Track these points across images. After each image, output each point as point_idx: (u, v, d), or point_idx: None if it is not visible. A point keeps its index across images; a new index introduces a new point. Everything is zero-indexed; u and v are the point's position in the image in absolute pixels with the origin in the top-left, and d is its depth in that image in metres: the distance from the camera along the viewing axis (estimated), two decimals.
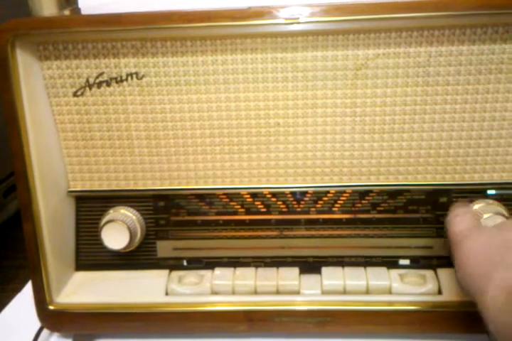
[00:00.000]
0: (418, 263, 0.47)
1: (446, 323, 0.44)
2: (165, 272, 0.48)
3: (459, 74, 0.43)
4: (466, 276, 0.36)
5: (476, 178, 0.45)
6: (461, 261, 0.37)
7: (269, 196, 0.47)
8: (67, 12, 0.59)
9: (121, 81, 0.44)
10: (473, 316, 0.43)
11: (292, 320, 0.45)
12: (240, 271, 0.47)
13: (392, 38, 0.42)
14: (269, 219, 0.47)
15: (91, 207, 0.48)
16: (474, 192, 0.45)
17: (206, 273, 0.47)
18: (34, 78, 0.43)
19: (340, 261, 0.47)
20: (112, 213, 0.47)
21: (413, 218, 0.46)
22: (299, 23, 0.40)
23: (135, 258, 0.48)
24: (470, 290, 0.36)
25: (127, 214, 0.46)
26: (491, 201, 0.45)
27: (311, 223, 0.47)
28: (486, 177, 0.45)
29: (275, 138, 0.45)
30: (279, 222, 0.47)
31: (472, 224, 0.40)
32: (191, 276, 0.48)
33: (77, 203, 0.48)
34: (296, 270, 0.47)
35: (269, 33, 0.42)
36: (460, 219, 0.41)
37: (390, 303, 0.44)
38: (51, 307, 0.46)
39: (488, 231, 0.37)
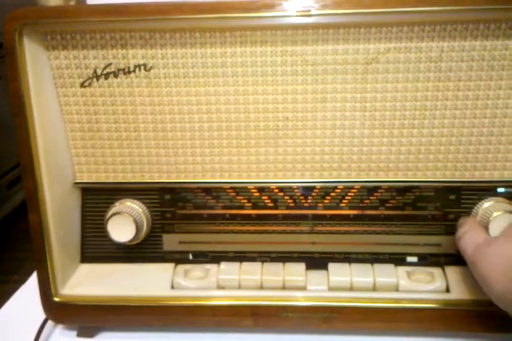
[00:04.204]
0: (426, 260, 0.46)
1: (454, 321, 0.43)
2: (171, 265, 0.48)
3: (471, 70, 0.42)
4: (495, 295, 0.36)
5: (486, 176, 0.45)
6: (484, 281, 0.37)
7: (276, 191, 0.47)
8: (72, 2, 0.59)
9: (129, 72, 0.44)
10: (482, 315, 0.43)
11: (298, 315, 0.44)
12: (246, 265, 0.47)
13: (403, 32, 0.41)
14: (276, 214, 0.47)
15: (97, 199, 0.48)
16: (484, 190, 0.45)
17: (212, 267, 0.47)
18: (41, 68, 0.43)
19: (347, 258, 0.47)
20: (118, 205, 0.46)
21: (422, 215, 0.46)
22: (310, 15, 0.40)
23: (141, 251, 0.48)
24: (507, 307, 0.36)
25: (133, 206, 0.46)
26: (500, 199, 0.44)
27: (318, 219, 0.47)
28: (496, 175, 0.45)
29: (283, 132, 0.45)
30: (285, 217, 0.47)
31: (481, 239, 0.40)
32: (197, 270, 0.47)
33: (83, 195, 0.48)
34: (302, 265, 0.46)
35: (280, 25, 0.41)
36: (469, 236, 0.41)
37: (397, 301, 0.44)
38: (56, 299, 0.46)
39: (497, 246, 0.38)
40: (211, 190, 0.47)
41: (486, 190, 0.45)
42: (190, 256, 0.48)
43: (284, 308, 0.44)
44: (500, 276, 0.36)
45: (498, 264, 0.36)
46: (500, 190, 0.45)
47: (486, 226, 0.42)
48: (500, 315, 0.42)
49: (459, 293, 0.44)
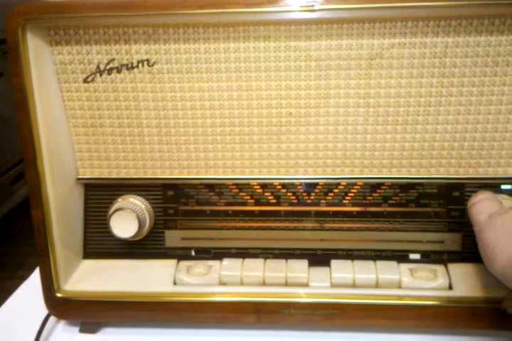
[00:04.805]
0: (429, 257, 0.46)
1: (457, 319, 0.43)
2: (173, 262, 0.48)
3: (476, 66, 0.42)
4: (498, 264, 0.35)
5: (490, 172, 0.45)
6: (489, 249, 0.36)
7: (279, 187, 0.46)
8: None
9: (132, 68, 0.43)
10: (484, 312, 0.43)
11: (300, 312, 0.44)
12: (249, 262, 0.47)
13: (408, 28, 0.41)
14: (279, 211, 0.47)
15: (100, 194, 0.48)
16: (488, 187, 0.45)
17: (214, 263, 0.47)
18: (44, 63, 0.43)
19: (350, 254, 0.47)
20: (120, 201, 0.46)
21: (425, 212, 0.46)
22: (313, 10, 0.39)
23: (143, 247, 0.48)
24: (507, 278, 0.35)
25: (136, 202, 0.46)
26: (505, 196, 0.44)
27: (321, 215, 0.47)
28: (500, 172, 0.44)
29: (286, 128, 0.45)
30: (288, 214, 0.47)
31: (495, 209, 0.39)
32: (199, 266, 0.47)
33: (85, 191, 0.48)
34: (305, 262, 0.46)
35: (283, 20, 0.41)
36: (482, 205, 0.40)
37: (400, 298, 0.44)
38: (59, 295, 0.46)
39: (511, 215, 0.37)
40: (214, 186, 0.47)
41: (490, 186, 0.45)
42: (193, 253, 0.48)
43: (287, 305, 0.44)
44: (507, 243, 0.35)
45: (507, 231, 0.36)
46: (505, 186, 0.45)
47: None
48: (503, 313, 0.42)
49: (461, 290, 0.44)
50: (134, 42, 0.43)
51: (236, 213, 0.47)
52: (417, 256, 0.46)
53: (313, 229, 0.47)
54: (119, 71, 0.44)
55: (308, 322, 0.45)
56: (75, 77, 0.44)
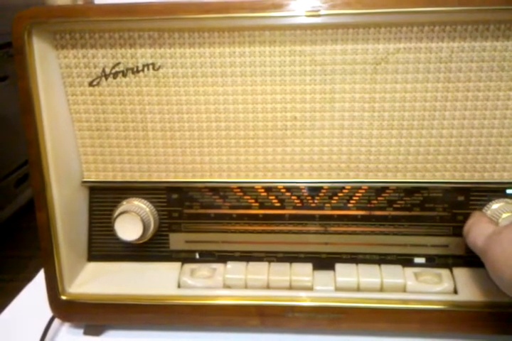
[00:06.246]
0: (433, 261, 0.46)
1: (461, 323, 0.43)
2: (177, 264, 0.48)
3: (481, 71, 0.42)
4: (506, 281, 0.35)
5: (496, 177, 0.44)
6: (495, 267, 0.36)
7: (283, 191, 0.46)
8: (80, 2, 0.59)
9: (138, 71, 0.44)
10: (489, 317, 0.42)
11: (304, 315, 0.44)
12: (253, 265, 0.47)
13: (413, 33, 0.41)
14: (283, 214, 0.47)
15: (104, 198, 0.48)
16: (493, 191, 0.45)
17: (218, 266, 0.47)
18: (50, 67, 0.43)
19: (354, 258, 0.47)
20: (125, 204, 0.47)
21: (430, 216, 0.46)
22: (319, 15, 0.40)
23: (148, 250, 0.48)
24: None
25: (141, 205, 0.46)
26: (510, 200, 0.44)
27: (326, 219, 0.47)
28: (505, 176, 0.44)
29: (291, 132, 0.45)
30: (292, 217, 0.47)
31: (490, 230, 0.39)
32: (203, 269, 0.47)
33: (90, 194, 0.48)
34: (309, 266, 0.46)
35: (288, 25, 0.41)
36: (475, 229, 0.41)
37: (405, 302, 0.44)
38: (63, 297, 0.46)
39: (509, 232, 0.37)
40: (218, 190, 0.47)
41: (496, 191, 0.45)
42: (197, 256, 0.48)
43: (291, 308, 0.44)
44: (508, 261, 0.35)
45: (506, 251, 0.35)
46: (510, 191, 0.45)
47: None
48: (507, 317, 0.42)
49: (466, 294, 0.44)
50: (139, 46, 0.43)
51: (240, 216, 0.47)
52: (421, 260, 0.46)
53: (317, 233, 0.47)
54: (124, 75, 0.44)
55: (313, 326, 0.45)
56: (81, 81, 0.44)
